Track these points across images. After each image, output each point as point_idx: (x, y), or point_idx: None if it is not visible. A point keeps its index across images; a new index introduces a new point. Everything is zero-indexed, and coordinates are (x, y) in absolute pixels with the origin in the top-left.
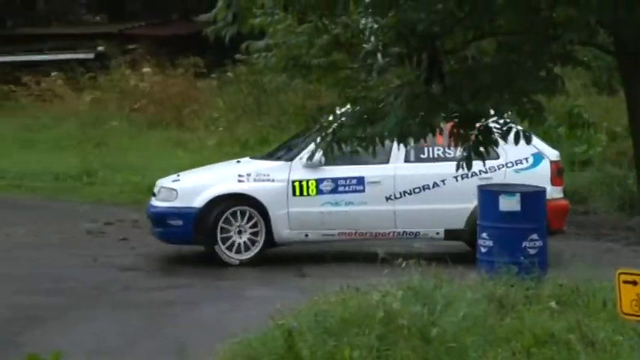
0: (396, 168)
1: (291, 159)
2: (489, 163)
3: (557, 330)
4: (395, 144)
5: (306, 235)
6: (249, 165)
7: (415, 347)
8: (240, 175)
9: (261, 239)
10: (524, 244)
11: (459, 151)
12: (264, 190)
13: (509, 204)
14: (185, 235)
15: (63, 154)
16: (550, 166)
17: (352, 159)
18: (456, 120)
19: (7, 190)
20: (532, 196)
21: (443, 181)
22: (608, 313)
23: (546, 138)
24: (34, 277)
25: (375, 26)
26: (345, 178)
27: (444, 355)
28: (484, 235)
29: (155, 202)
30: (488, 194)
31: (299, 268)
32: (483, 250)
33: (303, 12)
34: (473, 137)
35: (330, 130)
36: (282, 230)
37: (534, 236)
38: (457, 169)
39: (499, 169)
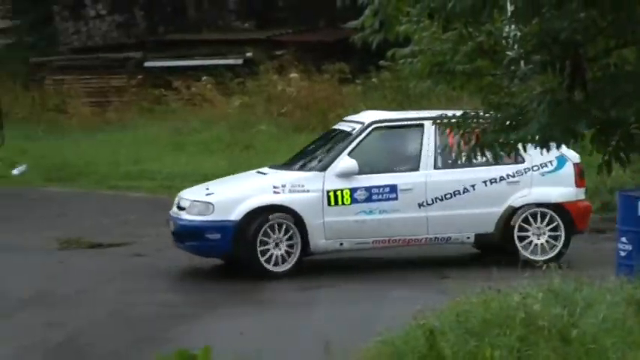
0: (427, 175)
1: (324, 169)
2: (516, 167)
3: None
4: (424, 150)
5: (341, 244)
6: (282, 176)
7: (555, 348)
8: (275, 187)
9: (297, 250)
10: None
11: (482, 157)
12: (301, 200)
13: None
14: (223, 249)
15: (212, 157)
16: (573, 168)
17: (384, 167)
18: (598, 127)
19: (158, 191)
20: None
21: (473, 186)
22: None
23: None
24: (180, 275)
25: (519, 34)
26: (379, 187)
27: (584, 356)
28: (623, 239)
29: (187, 216)
30: (628, 199)
31: (440, 270)
32: (622, 254)
33: (448, 20)
34: (614, 143)
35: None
36: (319, 240)
37: None
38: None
39: (526, 172)
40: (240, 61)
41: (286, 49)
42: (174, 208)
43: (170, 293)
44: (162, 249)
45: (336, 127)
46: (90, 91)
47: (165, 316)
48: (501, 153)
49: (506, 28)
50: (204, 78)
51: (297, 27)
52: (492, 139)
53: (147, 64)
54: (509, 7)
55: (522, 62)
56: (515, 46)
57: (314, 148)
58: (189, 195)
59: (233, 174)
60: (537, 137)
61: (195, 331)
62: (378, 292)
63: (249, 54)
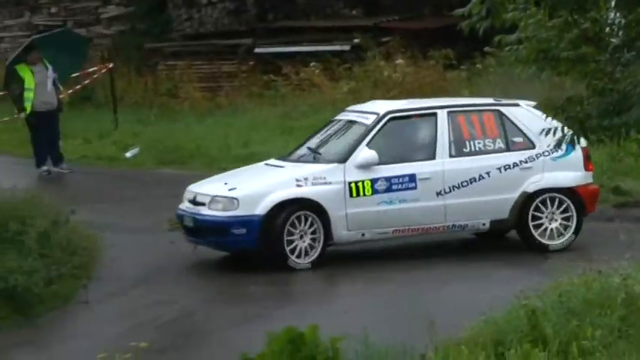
0: (444, 163)
1: (344, 160)
2: (527, 153)
3: None
4: (439, 139)
5: (363, 235)
6: (304, 169)
7: None
8: (297, 180)
9: (320, 242)
10: None
11: (497, 144)
12: (324, 193)
13: None
14: (249, 243)
15: None
16: (582, 152)
17: (402, 157)
18: None
19: None
20: None
21: (488, 173)
22: None
23: None
24: None
25: (623, 21)
26: (398, 177)
27: None
28: None
29: (210, 212)
30: None
31: (543, 252)
32: None
33: (554, 7)
34: None
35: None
36: (341, 231)
37: None
38: None
39: (537, 158)
40: (347, 48)
41: (392, 35)
42: (187, 203)
43: (279, 273)
44: None
45: (341, 117)
46: (201, 76)
47: (274, 295)
48: (604, 137)
49: (611, 16)
50: (312, 64)
51: (403, 14)
52: (596, 124)
53: (257, 50)
54: None
55: (626, 49)
56: (620, 33)
57: (324, 139)
58: (207, 190)
59: None
60: None
61: (302, 310)
62: (481, 272)
63: (356, 40)
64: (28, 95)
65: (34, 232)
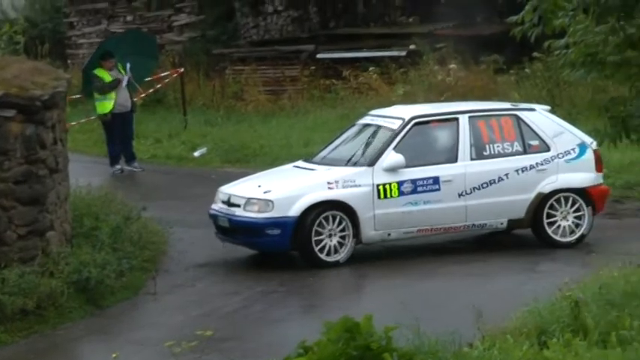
0: (465, 166)
1: (372, 164)
2: (542, 155)
3: None
4: (460, 142)
5: (389, 235)
6: (334, 172)
7: None
8: (329, 183)
9: (349, 241)
10: None
11: (515, 147)
12: (354, 195)
13: None
14: (283, 244)
15: None
16: (593, 154)
17: (426, 160)
18: None
19: None
20: None
21: (506, 175)
22: None
23: None
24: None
25: None
26: (423, 179)
27: None
28: None
29: (245, 213)
30: None
31: (586, 246)
32: None
33: (602, 14)
34: None
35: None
36: (369, 231)
37: None
38: None
39: (552, 160)
40: (404, 53)
41: (446, 42)
42: (220, 204)
43: (333, 267)
44: None
45: (365, 121)
46: (266, 80)
47: (331, 287)
48: None
49: None
50: (370, 68)
51: (457, 22)
52: (638, 124)
53: (319, 55)
54: None
55: None
56: None
57: (349, 143)
58: (242, 192)
59: None
60: None
61: (358, 301)
62: (525, 265)
63: (412, 46)
64: (110, 95)
65: (107, 228)
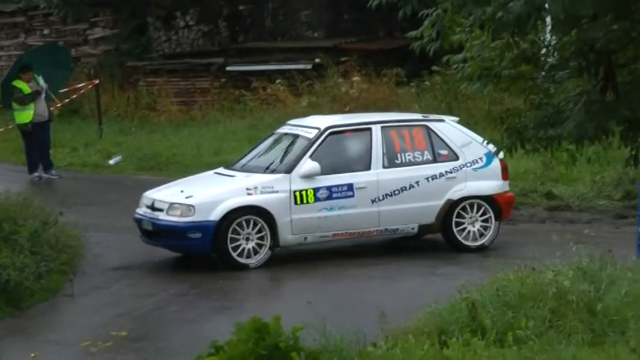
0: (378, 174)
1: (289, 171)
2: (451, 164)
3: None
4: (373, 151)
5: (305, 238)
6: (253, 178)
7: (582, 319)
8: (248, 189)
9: (267, 244)
10: None
11: (425, 156)
12: (272, 200)
13: None
14: (204, 246)
15: None
16: (500, 163)
17: (341, 168)
18: (627, 124)
19: None
20: None
21: (417, 182)
22: None
23: None
24: None
25: (558, 43)
26: (338, 186)
27: (607, 327)
28: None
29: (168, 217)
30: None
31: (483, 250)
32: None
33: (497, 30)
34: None
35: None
36: (287, 235)
37: None
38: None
39: (461, 168)
40: (309, 66)
41: (350, 55)
42: (144, 209)
43: (244, 270)
44: None
45: (283, 131)
46: (178, 91)
47: (241, 289)
48: (538, 146)
49: (547, 38)
50: (277, 80)
51: (360, 36)
52: (532, 135)
53: (228, 68)
54: (550, 19)
55: (560, 67)
56: (555, 54)
57: (269, 151)
58: (164, 197)
59: None
60: (573, 134)
61: (267, 302)
62: (427, 268)
63: (317, 60)
64: (29, 106)
65: (26, 232)
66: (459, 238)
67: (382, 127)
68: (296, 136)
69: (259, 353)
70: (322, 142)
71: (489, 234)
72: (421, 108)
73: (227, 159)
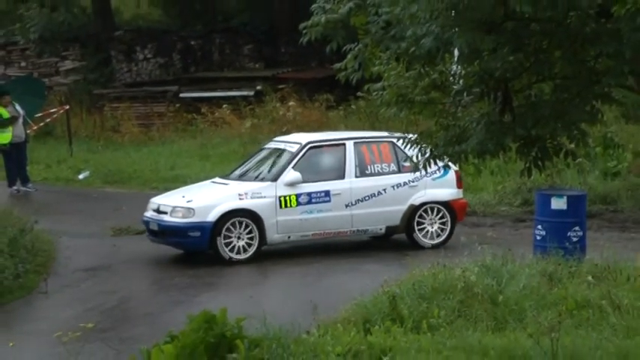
0: (351, 182)
1: (275, 179)
2: (413, 174)
3: (592, 297)
4: (347, 163)
5: (289, 237)
6: (244, 185)
7: (486, 309)
8: (240, 194)
9: (256, 242)
10: (569, 233)
11: (391, 167)
12: (260, 204)
13: (558, 204)
14: (202, 244)
15: (229, 165)
16: (454, 174)
17: (319, 177)
18: (522, 141)
19: None
20: (575, 198)
21: (384, 190)
22: (631, 285)
23: (587, 156)
24: (208, 255)
25: (463, 72)
26: (317, 192)
27: (508, 315)
28: (539, 226)
29: (171, 219)
30: (543, 196)
31: (403, 250)
32: (538, 237)
33: (410, 62)
34: (533, 154)
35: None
36: (273, 235)
37: (576, 228)
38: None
39: (421, 178)
40: (251, 93)
41: (286, 83)
42: (151, 212)
43: (198, 268)
44: None
45: (270, 145)
46: (138, 115)
47: (194, 286)
48: (449, 162)
49: (454, 68)
50: (224, 105)
51: (295, 67)
52: (442, 152)
53: (181, 95)
54: (457, 52)
55: (465, 93)
56: (460, 81)
57: (258, 163)
58: (168, 202)
59: None
60: (476, 149)
61: (216, 297)
62: (354, 266)
63: (258, 87)
64: (9, 129)
65: (5, 238)
66: (420, 237)
67: (355, 143)
68: (281, 150)
69: (208, 341)
70: (303, 155)
71: (445, 234)
72: (347, 127)
73: (181, 173)
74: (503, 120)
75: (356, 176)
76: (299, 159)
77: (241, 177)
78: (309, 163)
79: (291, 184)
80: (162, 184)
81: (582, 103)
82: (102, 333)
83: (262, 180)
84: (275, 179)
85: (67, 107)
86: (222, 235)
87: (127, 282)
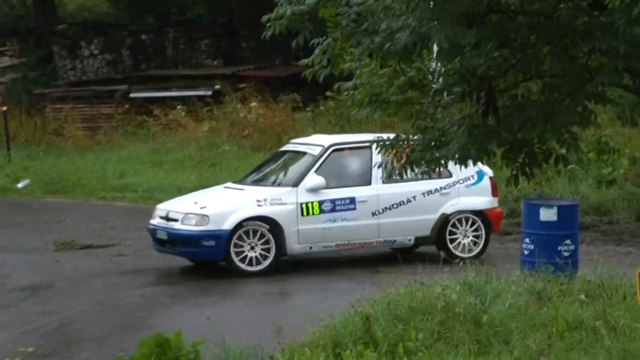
0: (378, 188)
1: (296, 185)
2: (446, 180)
3: (585, 318)
4: (374, 168)
5: (310, 248)
6: (262, 191)
7: (469, 331)
8: (258, 201)
9: (272, 253)
10: (560, 247)
11: (420, 173)
12: (280, 212)
13: (548, 215)
14: (217, 254)
15: (184, 172)
16: (490, 181)
17: (343, 182)
18: (507, 146)
19: (140, 201)
20: (567, 209)
21: (414, 197)
22: (627, 304)
23: (579, 162)
24: (156, 271)
25: (443, 70)
26: (341, 199)
27: (492, 338)
28: (527, 240)
29: (183, 226)
30: (531, 206)
31: (375, 266)
32: (526, 252)
33: (385, 58)
34: (520, 160)
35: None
36: (293, 245)
37: (568, 241)
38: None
39: (454, 185)
40: (209, 93)
41: (248, 82)
42: (159, 219)
43: (148, 287)
44: (142, 250)
45: (287, 148)
46: (83, 117)
47: (144, 306)
48: (427, 169)
49: (433, 65)
50: (179, 107)
51: (257, 64)
52: (420, 157)
53: (131, 95)
54: (436, 48)
55: (445, 93)
56: (440, 80)
57: (275, 167)
58: (179, 208)
59: (202, 187)
60: (457, 155)
61: (170, 318)
62: (322, 284)
63: (217, 86)
64: None
65: None
66: (452, 249)
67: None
68: (301, 153)
69: None
70: (326, 158)
71: (479, 247)
72: (316, 131)
73: (131, 182)
74: (486, 122)
75: (383, 182)
76: (322, 162)
77: (257, 182)
78: (332, 168)
79: (314, 190)
80: (110, 193)
81: (573, 104)
82: (43, 358)
83: (281, 185)
84: (296, 184)
85: (5, 108)
86: (233, 244)
87: (71, 302)
